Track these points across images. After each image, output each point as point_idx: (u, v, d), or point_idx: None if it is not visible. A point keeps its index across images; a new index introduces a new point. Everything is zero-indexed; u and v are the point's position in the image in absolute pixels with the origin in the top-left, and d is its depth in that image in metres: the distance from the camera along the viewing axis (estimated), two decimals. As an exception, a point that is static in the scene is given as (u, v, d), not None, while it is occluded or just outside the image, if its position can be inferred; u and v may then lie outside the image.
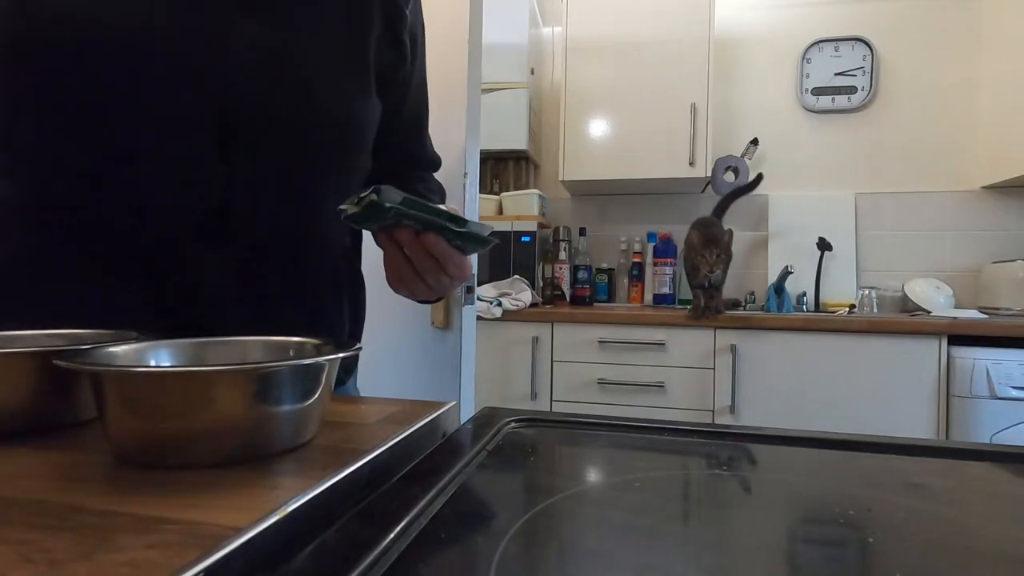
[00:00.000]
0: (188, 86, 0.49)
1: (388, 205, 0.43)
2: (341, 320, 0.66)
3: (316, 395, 0.33)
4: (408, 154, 0.73)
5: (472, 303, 1.23)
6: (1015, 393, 1.54)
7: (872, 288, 2.12)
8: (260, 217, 0.54)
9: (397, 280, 0.53)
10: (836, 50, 2.23)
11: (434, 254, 0.48)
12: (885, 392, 1.66)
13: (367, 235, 0.64)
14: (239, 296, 0.55)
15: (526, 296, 2.02)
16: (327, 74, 0.56)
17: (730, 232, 1.75)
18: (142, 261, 0.52)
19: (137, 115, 0.49)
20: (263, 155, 0.53)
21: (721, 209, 1.97)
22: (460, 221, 0.47)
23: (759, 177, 2.02)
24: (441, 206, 0.49)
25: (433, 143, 0.77)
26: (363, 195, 0.43)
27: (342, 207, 0.44)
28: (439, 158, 0.78)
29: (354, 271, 0.70)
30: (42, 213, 0.52)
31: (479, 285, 1.84)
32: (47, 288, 0.52)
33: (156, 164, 0.50)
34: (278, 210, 0.55)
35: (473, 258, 1.21)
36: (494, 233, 0.50)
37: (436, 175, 0.78)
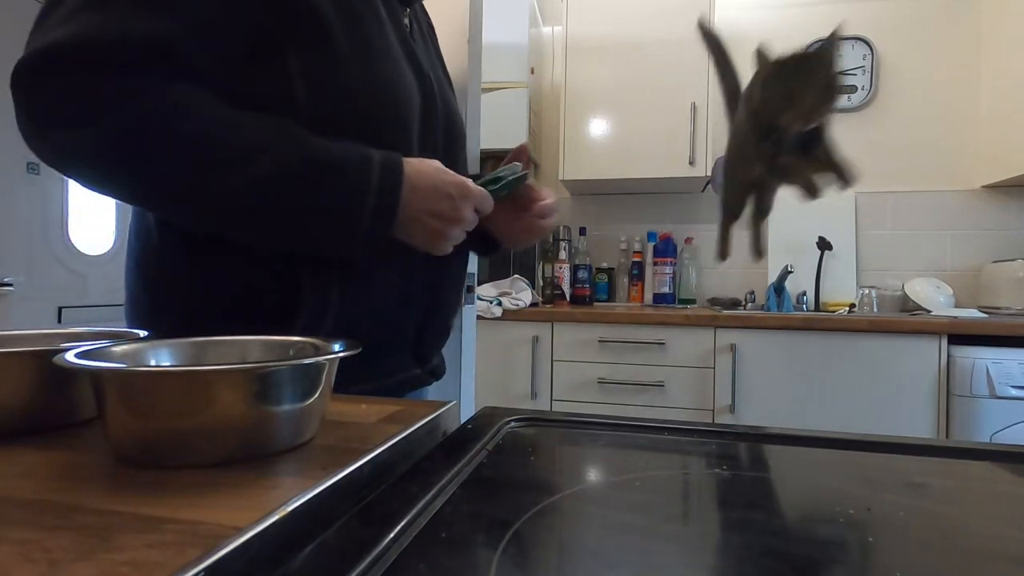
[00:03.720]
0: (428, 136, 0.62)
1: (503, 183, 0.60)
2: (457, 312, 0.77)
3: (316, 395, 0.33)
4: None
5: (472, 303, 1.23)
6: (1015, 392, 1.53)
7: (872, 288, 2.12)
8: None
9: (513, 242, 0.72)
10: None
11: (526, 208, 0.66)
12: (885, 392, 1.66)
13: None
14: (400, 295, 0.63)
15: (526, 296, 2.02)
16: (450, 92, 0.71)
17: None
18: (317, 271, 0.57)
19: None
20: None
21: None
22: (495, 180, 0.60)
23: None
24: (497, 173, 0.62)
25: None
26: (502, 180, 0.60)
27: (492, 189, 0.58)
28: None
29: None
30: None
31: (479, 285, 1.83)
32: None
33: None
34: None
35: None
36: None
37: None
